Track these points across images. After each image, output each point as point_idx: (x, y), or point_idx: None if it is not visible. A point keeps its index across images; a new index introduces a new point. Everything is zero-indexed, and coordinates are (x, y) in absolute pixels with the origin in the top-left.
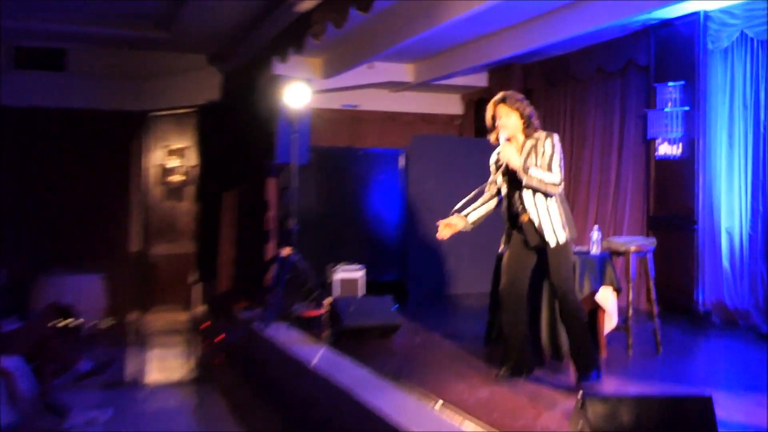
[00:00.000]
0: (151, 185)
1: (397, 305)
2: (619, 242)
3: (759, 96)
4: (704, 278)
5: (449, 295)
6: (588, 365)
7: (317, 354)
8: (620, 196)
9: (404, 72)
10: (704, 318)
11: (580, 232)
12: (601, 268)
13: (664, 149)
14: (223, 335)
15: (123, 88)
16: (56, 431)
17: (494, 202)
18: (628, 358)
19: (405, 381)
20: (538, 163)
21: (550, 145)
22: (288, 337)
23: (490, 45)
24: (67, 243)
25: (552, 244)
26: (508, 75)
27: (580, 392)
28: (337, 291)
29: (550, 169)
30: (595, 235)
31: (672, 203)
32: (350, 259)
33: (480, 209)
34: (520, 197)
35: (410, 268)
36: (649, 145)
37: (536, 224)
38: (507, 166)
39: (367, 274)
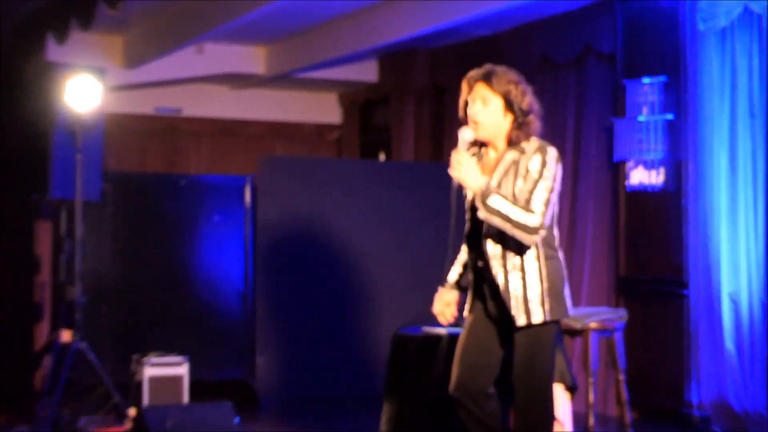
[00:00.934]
0: None
1: (239, 417)
2: (574, 316)
3: None
4: (699, 368)
5: (321, 400)
6: None
7: None
8: (576, 247)
9: (251, 59)
10: (700, 426)
11: None
12: None
13: (639, 177)
14: None
15: None
16: None
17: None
18: None
19: None
20: (515, 190)
21: (539, 164)
22: None
23: (380, 19)
24: None
25: (519, 322)
26: (409, 65)
27: None
28: (147, 396)
29: (528, 202)
30: None
31: (651, 258)
32: (168, 347)
33: (459, 267)
34: (483, 242)
35: (261, 359)
36: (616, 170)
37: (500, 288)
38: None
39: (194, 369)
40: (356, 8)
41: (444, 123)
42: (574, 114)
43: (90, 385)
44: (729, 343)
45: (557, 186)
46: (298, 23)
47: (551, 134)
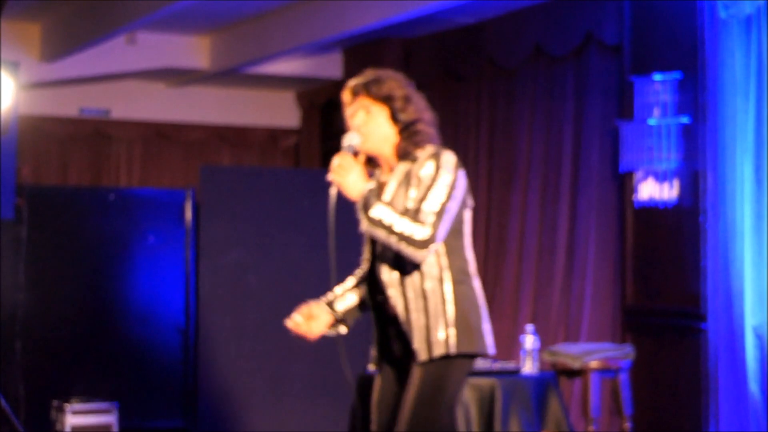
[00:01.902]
0: None
1: None
2: (572, 353)
3: None
4: (718, 414)
5: None
6: None
7: None
8: (575, 272)
9: (193, 51)
10: None
11: (504, 337)
12: (540, 399)
13: (649, 190)
14: None
15: None
16: None
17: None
18: None
19: None
20: (408, 202)
21: (432, 169)
22: None
23: (345, 4)
24: None
25: (420, 356)
26: (379, 58)
27: None
28: None
29: (417, 212)
30: (529, 341)
31: (663, 285)
32: (93, 392)
33: (351, 293)
34: (379, 269)
35: (203, 405)
36: (622, 182)
37: (401, 319)
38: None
39: (125, 416)
40: None
41: None
42: (573, 115)
43: None
44: (753, 385)
45: (457, 195)
46: (247, 8)
47: (546, 139)
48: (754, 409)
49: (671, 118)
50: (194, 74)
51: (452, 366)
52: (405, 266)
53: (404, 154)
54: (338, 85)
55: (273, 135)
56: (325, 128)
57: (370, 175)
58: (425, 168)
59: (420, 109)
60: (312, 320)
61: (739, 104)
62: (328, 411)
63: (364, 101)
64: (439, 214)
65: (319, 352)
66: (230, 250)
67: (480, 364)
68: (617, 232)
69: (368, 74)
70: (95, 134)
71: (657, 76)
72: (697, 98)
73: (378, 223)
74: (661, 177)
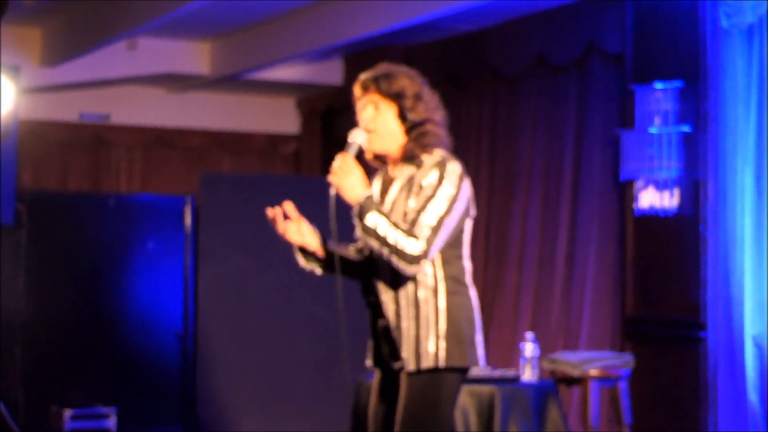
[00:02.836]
0: None
1: None
2: (572, 362)
3: None
4: (717, 424)
5: None
6: None
7: None
8: (574, 281)
9: (194, 57)
10: None
11: (503, 344)
12: (539, 407)
13: (650, 199)
14: None
15: None
16: None
17: (362, 261)
18: None
19: None
20: (406, 210)
21: (435, 179)
22: None
23: (347, 12)
24: None
25: (408, 366)
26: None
27: None
28: None
29: (414, 225)
30: (529, 348)
31: (663, 294)
32: (92, 397)
33: (346, 252)
34: (374, 271)
35: (201, 411)
36: (623, 191)
37: (392, 326)
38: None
39: (124, 422)
40: None
41: None
42: (575, 124)
43: None
44: (753, 395)
45: (458, 207)
46: (248, 15)
47: (547, 147)
48: (753, 418)
49: (672, 127)
50: (194, 80)
51: (443, 379)
52: (399, 274)
53: (410, 156)
54: (339, 92)
55: (273, 141)
56: (325, 135)
57: (378, 169)
58: (428, 177)
59: (431, 108)
60: (295, 225)
61: (740, 113)
62: (327, 417)
63: (374, 97)
64: (435, 229)
65: (318, 358)
66: (230, 256)
67: (479, 371)
68: (617, 240)
69: (380, 69)
70: (95, 139)
71: (658, 85)
72: (698, 107)
73: (372, 233)
74: (662, 186)
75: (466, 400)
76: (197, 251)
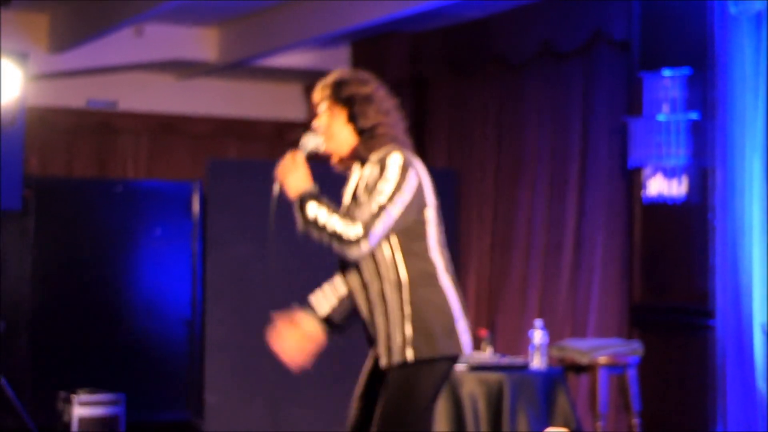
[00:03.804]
0: None
1: None
2: (580, 349)
3: None
4: (726, 411)
5: None
6: None
7: None
8: (582, 269)
9: (200, 43)
10: None
11: (511, 332)
12: (547, 394)
13: (658, 186)
14: None
15: None
16: None
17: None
18: None
19: None
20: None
21: (378, 172)
22: None
23: None
24: None
25: (382, 361)
26: (386, 52)
27: None
28: None
29: (353, 212)
30: (538, 336)
31: (671, 282)
32: (100, 383)
33: (333, 293)
34: (344, 269)
35: (210, 398)
36: (631, 179)
37: (366, 320)
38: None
39: (131, 408)
40: None
41: (427, 119)
42: (581, 112)
43: (7, 429)
44: (761, 382)
45: (404, 197)
46: (256, 1)
47: (554, 135)
48: (762, 406)
49: (680, 114)
50: (202, 66)
51: (418, 372)
52: (365, 269)
53: (357, 157)
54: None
55: (280, 128)
56: None
57: (347, 169)
58: (372, 173)
59: (382, 111)
60: (304, 341)
61: (748, 101)
62: (335, 403)
63: (328, 102)
64: (375, 215)
65: (327, 344)
66: (237, 243)
67: (487, 358)
68: (625, 228)
69: (334, 75)
70: (102, 126)
71: (666, 72)
72: (706, 94)
73: (312, 223)
74: (670, 173)
75: (475, 388)
76: (205, 237)
